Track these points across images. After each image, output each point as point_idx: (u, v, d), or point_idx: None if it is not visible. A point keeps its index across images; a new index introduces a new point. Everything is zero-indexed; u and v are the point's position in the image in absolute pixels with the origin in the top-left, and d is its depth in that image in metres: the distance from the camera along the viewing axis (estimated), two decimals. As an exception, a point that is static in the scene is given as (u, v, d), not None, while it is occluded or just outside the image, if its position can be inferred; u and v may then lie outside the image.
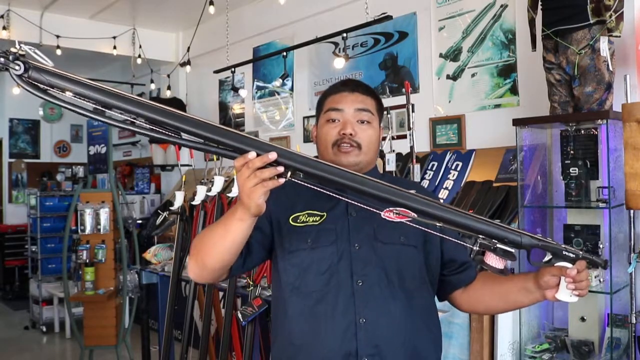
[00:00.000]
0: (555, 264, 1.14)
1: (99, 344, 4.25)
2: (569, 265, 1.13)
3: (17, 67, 0.94)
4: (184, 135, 1.06)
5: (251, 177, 1.04)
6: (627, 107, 2.37)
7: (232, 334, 2.93)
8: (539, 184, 2.83)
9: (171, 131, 1.03)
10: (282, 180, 1.05)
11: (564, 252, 1.13)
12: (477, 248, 1.09)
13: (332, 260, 1.30)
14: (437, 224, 1.10)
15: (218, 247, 1.19)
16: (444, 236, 1.26)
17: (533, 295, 1.25)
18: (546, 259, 1.14)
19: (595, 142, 2.62)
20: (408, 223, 1.12)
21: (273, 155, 1.03)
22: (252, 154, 1.03)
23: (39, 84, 0.97)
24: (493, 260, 1.11)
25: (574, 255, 1.12)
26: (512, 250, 1.10)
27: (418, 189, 1.36)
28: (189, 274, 1.32)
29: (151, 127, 1.03)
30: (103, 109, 1.02)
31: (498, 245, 1.09)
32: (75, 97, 0.99)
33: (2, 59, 0.94)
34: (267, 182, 1.04)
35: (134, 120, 1.03)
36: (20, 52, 0.94)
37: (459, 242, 1.31)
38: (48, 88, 0.98)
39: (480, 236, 1.09)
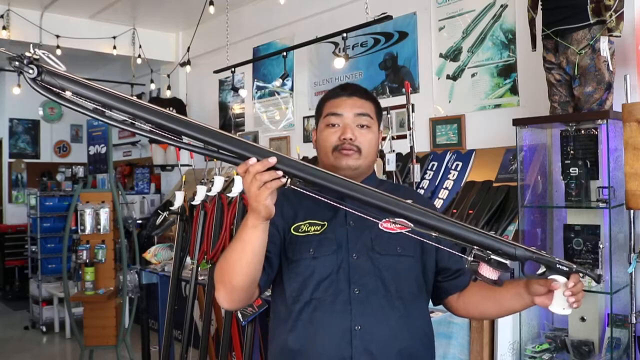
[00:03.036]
0: (549, 277, 1.14)
1: (99, 344, 4.25)
2: (562, 279, 1.13)
3: (30, 71, 0.97)
4: (186, 140, 1.09)
5: (254, 181, 1.07)
6: (627, 107, 2.38)
7: (232, 334, 2.93)
8: (539, 184, 2.83)
9: (176, 135, 1.07)
10: (284, 180, 1.07)
11: (557, 265, 1.13)
12: (472, 259, 1.10)
13: (332, 269, 1.32)
14: (433, 234, 1.11)
15: (241, 262, 1.19)
16: (439, 246, 1.27)
17: (524, 300, 1.27)
18: (540, 271, 1.15)
19: (595, 142, 2.62)
20: (405, 233, 1.14)
21: (273, 160, 1.07)
22: (253, 160, 1.07)
23: (51, 87, 1.00)
24: (487, 271, 1.11)
25: (567, 269, 1.13)
26: (506, 262, 1.10)
27: (417, 197, 1.37)
28: (222, 305, 1.31)
29: (158, 131, 1.06)
30: (106, 111, 1.05)
31: (492, 257, 1.10)
32: (85, 100, 1.02)
33: (17, 63, 0.96)
34: (270, 183, 1.07)
35: (140, 124, 1.06)
36: (35, 57, 0.98)
37: (453, 252, 1.33)
38: (60, 91, 1.01)
39: (475, 247, 1.10)
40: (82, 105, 1.03)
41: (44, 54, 0.99)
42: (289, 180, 1.08)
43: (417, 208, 1.11)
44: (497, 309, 1.38)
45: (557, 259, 1.13)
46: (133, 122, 1.06)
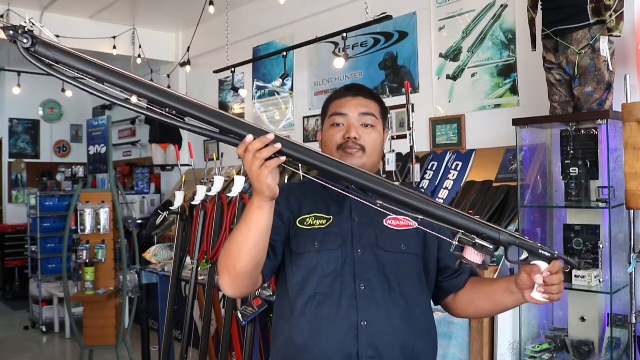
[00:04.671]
0: (532, 262, 1.15)
1: (99, 344, 4.25)
2: (544, 264, 1.14)
3: (25, 41, 0.97)
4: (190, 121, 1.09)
5: (254, 161, 1.07)
6: (627, 107, 2.38)
7: (232, 334, 2.93)
8: (539, 184, 2.83)
9: (173, 114, 1.07)
10: (283, 159, 1.08)
11: (540, 251, 1.14)
12: (457, 243, 1.11)
13: (337, 264, 1.33)
14: (419, 217, 1.11)
15: (246, 244, 1.19)
16: (441, 236, 1.26)
17: (515, 297, 1.27)
18: (523, 257, 1.16)
19: (595, 142, 2.62)
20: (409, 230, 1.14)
21: (271, 136, 1.07)
22: (250, 137, 1.07)
23: (44, 59, 1.00)
24: (472, 255, 1.12)
25: (549, 255, 1.14)
26: (490, 246, 1.11)
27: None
28: (226, 293, 1.31)
29: (149, 106, 1.06)
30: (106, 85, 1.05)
31: (477, 241, 1.11)
32: (78, 72, 1.02)
33: (11, 32, 0.97)
34: (270, 162, 1.07)
35: (137, 100, 1.06)
36: (30, 28, 0.98)
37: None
38: (53, 63, 1.01)
39: (461, 231, 1.11)
40: (76, 77, 1.03)
41: (40, 26, 1.00)
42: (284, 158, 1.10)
43: (402, 189, 1.12)
44: (490, 306, 1.38)
45: (539, 245, 1.14)
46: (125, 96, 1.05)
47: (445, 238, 1.19)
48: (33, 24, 0.98)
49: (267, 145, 1.06)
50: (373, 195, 1.13)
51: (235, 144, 1.09)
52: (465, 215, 1.12)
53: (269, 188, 1.10)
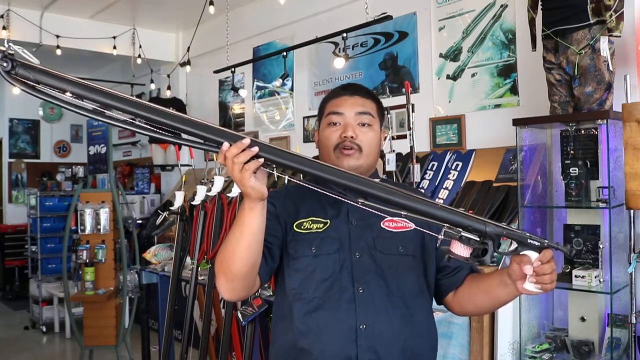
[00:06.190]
0: (521, 252, 1.13)
1: (99, 344, 4.25)
2: (534, 253, 1.12)
3: (5, 64, 1.01)
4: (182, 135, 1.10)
5: (234, 166, 1.09)
6: (627, 107, 2.38)
7: (232, 334, 2.93)
8: (539, 184, 2.83)
9: (167, 130, 1.09)
10: (261, 160, 1.10)
11: (528, 241, 1.12)
12: (443, 237, 1.10)
13: (335, 268, 1.33)
14: (402, 213, 1.10)
15: (240, 246, 1.20)
16: (433, 233, 1.25)
17: (509, 289, 1.25)
18: (512, 247, 1.14)
19: (595, 142, 2.63)
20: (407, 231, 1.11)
21: (246, 141, 1.09)
22: (226, 145, 1.09)
23: (26, 81, 1.03)
24: (459, 249, 1.10)
25: (538, 244, 1.12)
26: (477, 238, 1.09)
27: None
28: (223, 296, 1.32)
29: (132, 121, 1.09)
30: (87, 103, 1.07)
31: (463, 234, 1.09)
32: (60, 92, 1.05)
33: None
34: (248, 165, 1.09)
35: (113, 114, 1.09)
36: (9, 52, 1.01)
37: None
38: (35, 84, 1.04)
39: (446, 225, 1.09)
40: (57, 97, 1.05)
41: (19, 49, 1.03)
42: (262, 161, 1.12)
43: (384, 186, 1.11)
44: (488, 299, 1.36)
45: (528, 234, 1.13)
46: (103, 110, 1.08)
47: (434, 234, 1.17)
48: (10, 46, 1.02)
49: (243, 150, 1.08)
50: (355, 195, 1.13)
51: (216, 152, 1.12)
52: (449, 209, 1.11)
53: (254, 189, 1.11)
